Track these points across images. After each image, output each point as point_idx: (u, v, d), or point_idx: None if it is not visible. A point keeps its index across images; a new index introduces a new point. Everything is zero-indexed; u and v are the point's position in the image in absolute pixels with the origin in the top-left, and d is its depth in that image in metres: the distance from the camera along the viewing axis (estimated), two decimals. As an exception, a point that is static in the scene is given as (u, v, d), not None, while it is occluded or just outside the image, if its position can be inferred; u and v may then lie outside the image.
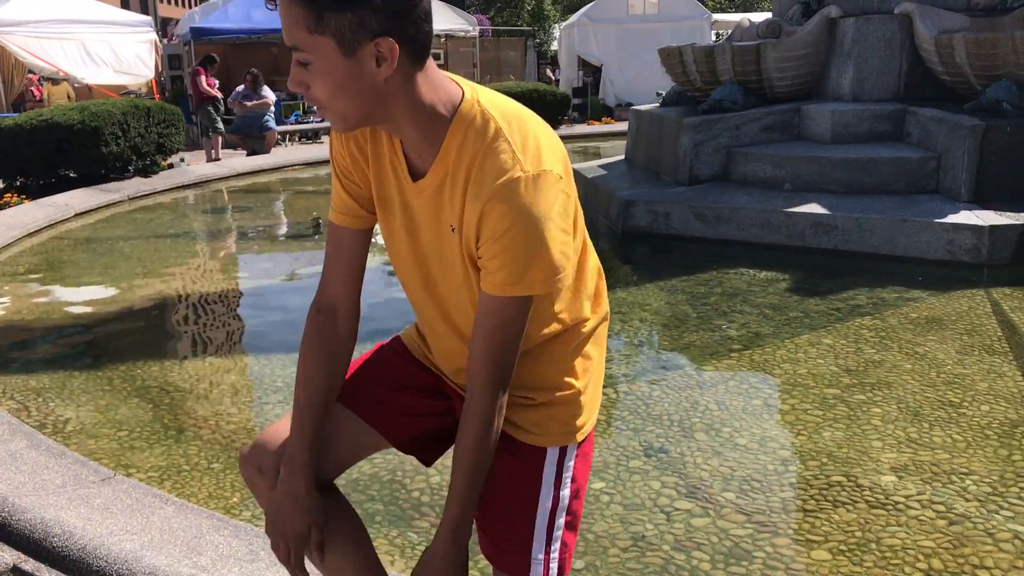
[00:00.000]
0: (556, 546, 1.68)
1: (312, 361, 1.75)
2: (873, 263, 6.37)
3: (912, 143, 7.23)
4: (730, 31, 20.65)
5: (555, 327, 1.66)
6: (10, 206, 9.29)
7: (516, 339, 1.54)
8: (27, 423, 3.81)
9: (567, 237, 1.49)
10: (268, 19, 18.59)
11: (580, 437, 1.71)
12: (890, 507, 2.99)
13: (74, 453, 3.32)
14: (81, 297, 6.41)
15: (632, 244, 7.53)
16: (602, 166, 9.76)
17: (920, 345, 4.66)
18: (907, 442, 3.50)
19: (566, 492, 1.68)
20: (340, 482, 1.90)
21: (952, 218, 6.29)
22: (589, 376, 1.74)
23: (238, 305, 6.43)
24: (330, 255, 1.78)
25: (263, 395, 4.32)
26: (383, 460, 3.46)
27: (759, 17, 12.69)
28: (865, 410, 3.84)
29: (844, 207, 6.71)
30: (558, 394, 1.68)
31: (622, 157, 10.05)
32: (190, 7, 77.24)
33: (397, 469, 3.38)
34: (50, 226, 8.83)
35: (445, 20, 21.48)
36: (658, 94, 10.42)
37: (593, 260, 1.74)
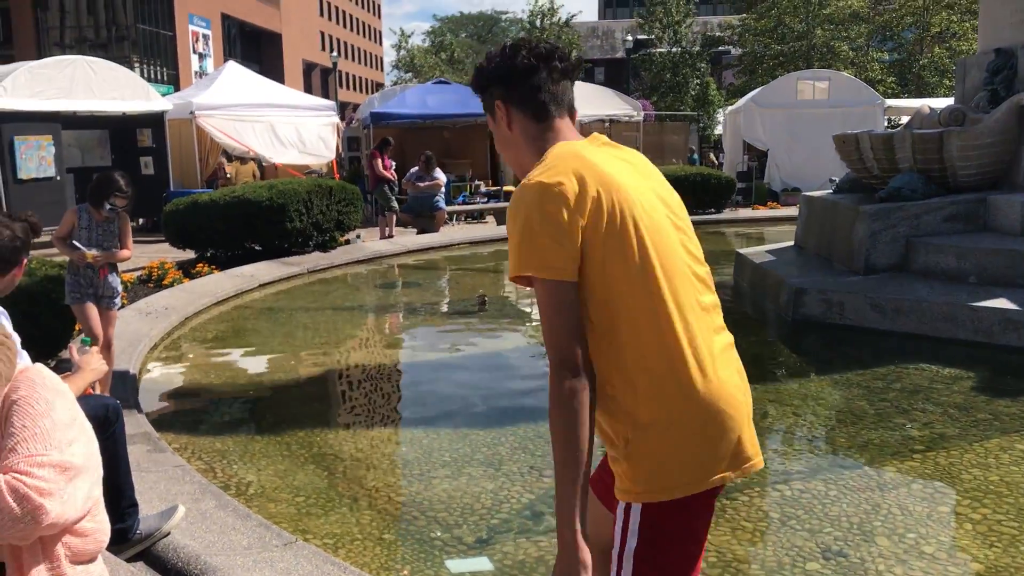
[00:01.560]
0: None
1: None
2: (1071, 364, 5.93)
3: (1114, 237, 6.75)
4: (903, 117, 20.00)
5: (598, 366, 1.83)
6: (201, 275, 9.97)
7: (554, 322, 1.78)
8: (214, 483, 4.02)
9: (550, 231, 1.77)
10: (442, 105, 19.45)
11: (640, 499, 1.82)
12: (1103, 636, 2.73)
13: (258, 516, 3.48)
14: (262, 364, 6.77)
15: (803, 334, 7.31)
16: (770, 251, 9.58)
17: None
18: (1120, 564, 3.20)
19: (631, 545, 1.84)
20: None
21: None
22: (644, 445, 1.80)
23: (407, 378, 6.62)
24: None
25: (431, 469, 4.40)
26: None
27: (937, 103, 12.28)
28: (1069, 525, 3.54)
29: (1037, 303, 6.30)
30: (618, 449, 1.85)
31: (790, 243, 9.83)
32: (367, 92, 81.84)
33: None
34: (236, 295, 9.40)
35: (610, 106, 21.83)
36: (831, 180, 10.17)
37: (633, 327, 1.80)
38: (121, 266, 5.87)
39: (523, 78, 1.97)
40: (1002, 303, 6.42)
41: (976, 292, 6.68)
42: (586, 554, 1.74)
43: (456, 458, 4.53)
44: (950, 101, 10.35)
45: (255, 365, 6.74)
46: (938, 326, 6.60)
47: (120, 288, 5.69)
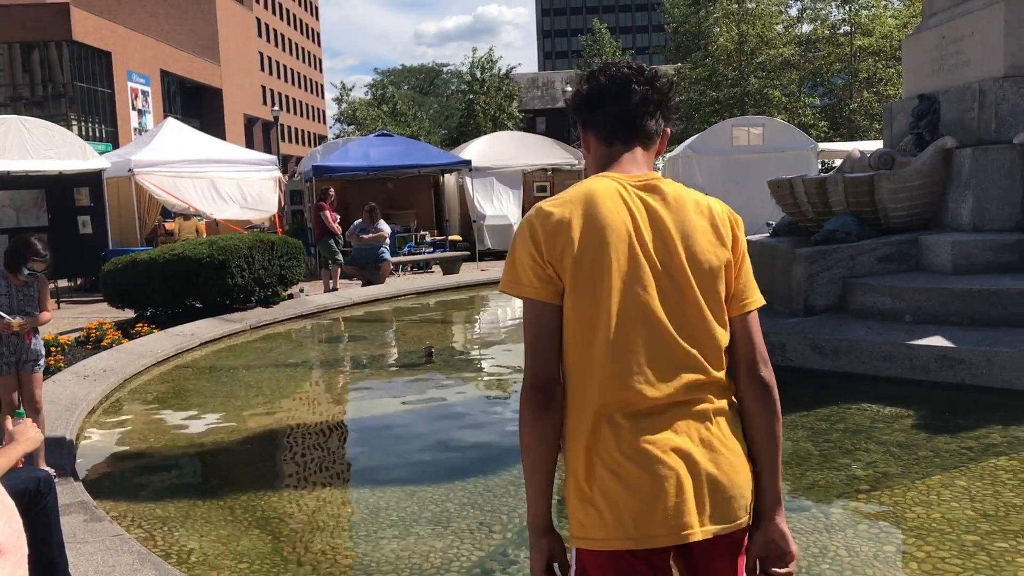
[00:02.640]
0: None
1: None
2: (1005, 399, 6.05)
3: (1040, 273, 6.96)
4: (836, 160, 20.50)
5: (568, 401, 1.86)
6: (141, 335, 9.78)
7: (526, 337, 1.84)
8: (154, 552, 3.91)
9: (526, 251, 1.83)
10: (385, 156, 19.51)
11: (572, 543, 1.84)
12: (1047, 672, 2.77)
13: (199, 585, 3.38)
14: (205, 425, 6.63)
15: (746, 376, 7.36)
16: (712, 296, 9.69)
17: (1065, 489, 4.38)
18: (1060, 598, 3.26)
19: None
20: None
21: (1090, 352, 5.98)
22: (571, 490, 1.82)
23: (353, 435, 6.54)
24: None
25: (378, 530, 4.33)
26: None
27: (868, 146, 12.64)
28: (1009, 560, 3.60)
29: (970, 340, 6.46)
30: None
31: (732, 287, 9.97)
32: (310, 144, 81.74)
33: None
34: (177, 355, 9.23)
35: (552, 155, 22.06)
36: (768, 224, 10.39)
37: (579, 373, 1.82)
38: (58, 328, 5.74)
39: (596, 102, 1.97)
40: (937, 340, 6.56)
41: (912, 331, 6.82)
42: (541, 561, 1.84)
43: (403, 517, 4.46)
44: (880, 144, 10.67)
45: (197, 426, 6.60)
46: (876, 365, 6.72)
47: (43, 351, 5.56)
